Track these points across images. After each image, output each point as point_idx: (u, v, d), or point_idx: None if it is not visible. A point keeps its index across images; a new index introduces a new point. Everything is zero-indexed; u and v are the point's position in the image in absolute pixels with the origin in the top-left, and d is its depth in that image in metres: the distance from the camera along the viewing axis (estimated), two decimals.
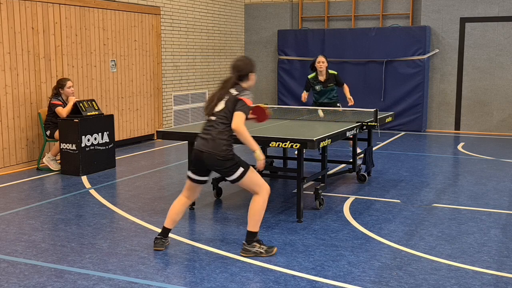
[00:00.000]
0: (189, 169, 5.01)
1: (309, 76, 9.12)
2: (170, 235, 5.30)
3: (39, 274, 4.43)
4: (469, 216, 6.09)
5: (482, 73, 12.46)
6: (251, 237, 4.85)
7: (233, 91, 4.80)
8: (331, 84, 8.98)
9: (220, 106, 4.79)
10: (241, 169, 4.82)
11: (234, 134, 4.79)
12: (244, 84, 4.87)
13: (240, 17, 14.54)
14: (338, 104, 9.11)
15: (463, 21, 12.48)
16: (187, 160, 6.38)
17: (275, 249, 4.93)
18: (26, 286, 4.21)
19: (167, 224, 5.02)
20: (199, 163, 4.85)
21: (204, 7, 12.86)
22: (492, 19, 12.24)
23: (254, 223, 4.84)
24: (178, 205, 5.03)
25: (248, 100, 4.76)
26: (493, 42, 12.30)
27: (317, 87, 9.01)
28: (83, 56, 9.49)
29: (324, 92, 9.02)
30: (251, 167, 4.91)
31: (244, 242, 4.88)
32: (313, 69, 9.01)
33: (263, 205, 4.87)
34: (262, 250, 4.83)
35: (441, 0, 12.60)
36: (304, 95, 9.10)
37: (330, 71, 9.03)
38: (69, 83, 8.28)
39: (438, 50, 12.71)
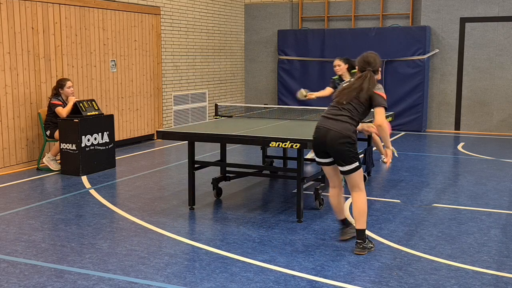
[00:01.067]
0: (315, 156, 5.11)
1: (333, 77, 8.89)
2: (170, 235, 5.32)
3: (39, 274, 4.43)
4: (469, 216, 6.09)
5: (482, 73, 12.46)
6: (363, 234, 4.94)
7: (366, 84, 4.92)
8: None
9: (353, 95, 4.92)
10: (357, 163, 4.93)
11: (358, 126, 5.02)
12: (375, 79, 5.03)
13: (240, 17, 14.54)
14: None
15: (463, 21, 12.48)
16: (187, 160, 6.38)
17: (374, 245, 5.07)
18: (26, 286, 4.21)
19: (339, 216, 5.32)
20: (321, 143, 4.96)
21: (204, 7, 12.86)
22: (492, 19, 12.24)
23: (363, 219, 4.93)
24: (334, 200, 5.24)
25: (383, 94, 4.94)
26: (493, 42, 12.30)
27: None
28: (83, 56, 9.49)
29: None
30: None
31: (358, 241, 4.91)
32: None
33: (366, 201, 5.00)
34: (372, 246, 4.99)
35: (441, 0, 12.61)
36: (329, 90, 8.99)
37: (353, 71, 8.87)
38: (68, 83, 8.28)
39: (438, 50, 12.71)
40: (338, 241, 5.19)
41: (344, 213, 5.31)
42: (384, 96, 4.94)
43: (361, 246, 4.90)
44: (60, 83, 8.27)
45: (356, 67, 5.13)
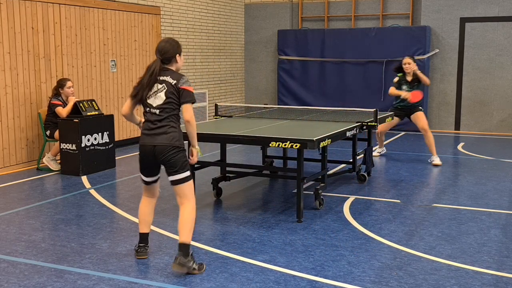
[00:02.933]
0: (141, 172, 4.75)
1: (399, 75, 9.10)
2: (170, 235, 5.32)
3: (39, 274, 4.43)
4: (469, 216, 6.08)
5: (482, 73, 12.46)
6: (187, 249, 4.42)
7: (169, 79, 4.54)
8: (416, 84, 9.00)
9: (161, 98, 4.53)
10: (188, 172, 4.57)
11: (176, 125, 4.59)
12: (173, 68, 4.64)
13: (240, 17, 14.54)
14: (420, 107, 9.18)
15: (463, 21, 12.48)
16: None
17: (205, 266, 4.57)
18: (26, 286, 4.21)
19: (146, 229, 4.85)
20: (150, 160, 4.58)
21: (204, 7, 12.86)
22: (492, 19, 12.24)
23: (189, 233, 4.44)
24: (148, 209, 4.87)
25: (191, 88, 4.59)
26: (493, 42, 12.30)
27: (404, 87, 9.00)
28: (83, 56, 9.49)
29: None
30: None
31: (179, 255, 4.38)
32: (399, 70, 9.05)
33: (195, 213, 4.57)
34: (196, 267, 4.44)
35: (441, 0, 12.60)
36: (394, 91, 9.08)
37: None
38: (69, 83, 8.28)
39: (438, 50, 12.71)
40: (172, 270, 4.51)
41: (150, 227, 4.89)
42: (192, 89, 4.58)
43: (180, 262, 4.36)
44: (60, 83, 8.27)
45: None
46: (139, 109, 4.80)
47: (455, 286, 4.23)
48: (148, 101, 4.61)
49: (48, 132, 8.32)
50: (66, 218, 5.99)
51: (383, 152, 9.77)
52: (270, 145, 5.67)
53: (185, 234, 4.42)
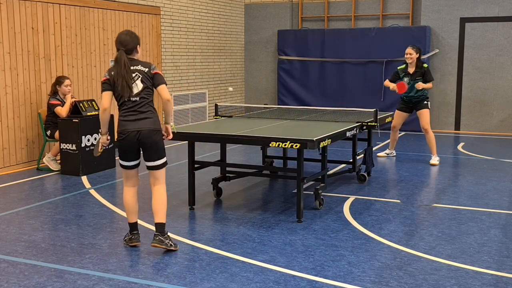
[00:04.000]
0: (121, 159, 5.05)
1: (399, 68, 8.95)
2: (170, 235, 5.31)
3: (39, 274, 4.43)
4: (469, 216, 6.08)
5: (482, 73, 12.46)
6: (163, 227, 4.91)
7: (141, 67, 4.94)
8: (419, 78, 8.75)
9: (138, 85, 4.90)
10: (165, 158, 5.05)
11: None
12: (135, 57, 5.07)
13: (240, 17, 14.54)
14: (425, 102, 8.93)
15: (463, 21, 12.48)
16: (187, 160, 6.38)
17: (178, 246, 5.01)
18: (26, 286, 4.21)
19: (134, 219, 5.12)
20: (134, 145, 4.93)
21: (204, 7, 12.86)
22: (492, 19, 12.23)
23: (165, 213, 4.94)
24: (133, 199, 5.16)
25: (160, 71, 5.01)
26: (493, 42, 12.30)
27: (405, 79, 8.82)
28: (83, 56, 9.49)
29: (412, 86, 8.79)
30: None
31: (157, 233, 4.86)
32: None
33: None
34: (172, 244, 4.89)
35: (441, 0, 12.60)
36: (387, 83, 8.98)
37: (424, 65, 8.83)
38: (67, 81, 8.28)
39: (438, 50, 12.71)
40: (151, 246, 4.92)
41: (137, 215, 5.15)
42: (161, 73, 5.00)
43: (159, 239, 4.83)
44: (59, 80, 8.29)
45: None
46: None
47: (455, 286, 4.23)
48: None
49: (48, 132, 8.33)
50: (66, 218, 5.99)
51: (392, 155, 9.52)
52: (270, 145, 5.67)
53: (162, 215, 4.91)
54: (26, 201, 6.69)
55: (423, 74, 8.79)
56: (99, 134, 5.08)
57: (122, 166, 5.08)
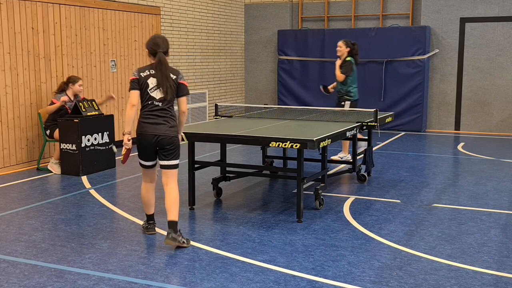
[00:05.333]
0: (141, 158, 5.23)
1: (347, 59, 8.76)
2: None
3: (39, 274, 4.43)
4: (469, 216, 6.09)
5: (482, 73, 12.46)
6: (176, 225, 5.01)
7: (170, 74, 5.02)
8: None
9: (167, 92, 4.99)
10: (179, 159, 5.20)
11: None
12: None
13: (240, 17, 14.54)
14: (342, 103, 8.66)
15: (463, 21, 12.48)
16: (187, 160, 6.38)
17: (190, 241, 5.18)
18: (26, 286, 4.21)
19: (151, 211, 5.44)
20: (151, 147, 5.08)
21: (204, 7, 12.86)
22: (492, 19, 12.24)
23: (178, 212, 5.07)
24: (151, 194, 5.40)
25: (186, 82, 5.12)
26: (493, 42, 12.30)
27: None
28: (83, 56, 9.49)
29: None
30: None
31: (170, 231, 4.94)
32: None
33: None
34: (185, 240, 5.04)
35: (441, 0, 12.61)
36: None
37: (348, 58, 8.64)
38: (80, 81, 8.43)
39: (438, 50, 12.71)
40: (164, 244, 5.06)
41: (154, 208, 5.43)
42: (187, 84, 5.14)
43: (172, 237, 4.92)
44: (72, 79, 8.37)
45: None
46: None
47: (455, 286, 4.23)
48: (152, 94, 5.02)
49: (48, 132, 8.33)
50: (66, 218, 5.99)
51: (345, 158, 8.81)
52: (270, 145, 5.67)
53: (175, 213, 5.02)
54: (26, 201, 6.69)
55: (344, 66, 8.60)
56: (124, 136, 5.08)
57: (140, 164, 5.27)
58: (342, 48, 8.70)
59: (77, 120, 8.02)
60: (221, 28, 13.62)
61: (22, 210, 6.28)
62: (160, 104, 4.99)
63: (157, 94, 4.97)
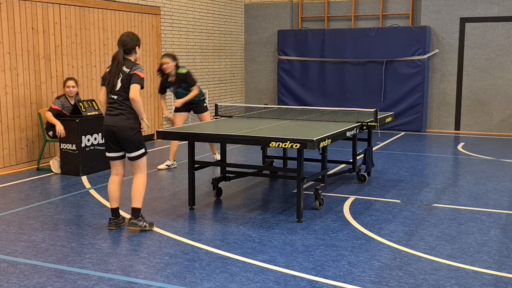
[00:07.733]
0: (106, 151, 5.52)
1: (161, 79, 8.39)
2: (170, 235, 5.32)
3: (39, 274, 4.43)
4: (469, 216, 6.09)
5: (482, 73, 12.46)
6: (138, 212, 5.41)
7: (125, 68, 5.30)
8: (183, 84, 8.21)
9: (118, 84, 5.30)
10: (143, 149, 5.44)
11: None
12: (132, 58, 5.44)
13: (240, 17, 14.54)
14: (204, 104, 8.55)
15: (463, 21, 12.48)
16: (187, 160, 6.38)
17: (154, 224, 5.58)
18: (26, 286, 4.21)
19: (115, 204, 5.57)
20: (111, 138, 5.38)
21: (204, 7, 12.86)
22: (492, 19, 12.24)
23: (140, 200, 5.42)
24: (116, 186, 5.55)
25: (141, 74, 5.33)
26: (493, 42, 12.30)
27: (172, 89, 8.34)
28: (83, 56, 9.49)
29: (182, 94, 8.28)
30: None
31: (131, 218, 5.39)
32: (159, 71, 8.26)
33: (146, 183, 5.52)
34: (146, 224, 5.42)
35: (441, 0, 12.61)
36: (163, 104, 8.50)
37: (180, 71, 8.18)
38: (68, 82, 8.22)
39: (438, 50, 12.71)
40: (128, 229, 5.44)
41: (119, 201, 5.58)
42: (143, 75, 5.33)
43: (133, 222, 5.35)
44: (64, 81, 8.31)
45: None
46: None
47: (455, 286, 4.23)
48: (108, 88, 5.37)
49: (50, 133, 8.28)
50: (66, 218, 5.99)
51: (173, 166, 8.58)
52: (270, 145, 5.67)
53: (137, 200, 5.39)
54: (26, 201, 6.69)
55: (185, 79, 8.21)
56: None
57: (106, 156, 5.56)
58: (169, 64, 8.14)
59: (77, 120, 8.01)
60: (221, 28, 13.62)
61: (22, 210, 6.28)
62: (115, 97, 5.31)
63: (111, 88, 5.31)
